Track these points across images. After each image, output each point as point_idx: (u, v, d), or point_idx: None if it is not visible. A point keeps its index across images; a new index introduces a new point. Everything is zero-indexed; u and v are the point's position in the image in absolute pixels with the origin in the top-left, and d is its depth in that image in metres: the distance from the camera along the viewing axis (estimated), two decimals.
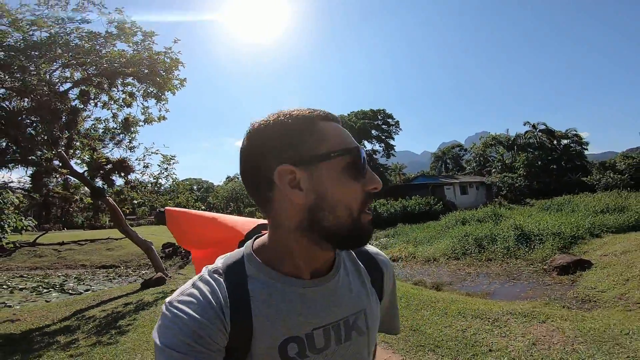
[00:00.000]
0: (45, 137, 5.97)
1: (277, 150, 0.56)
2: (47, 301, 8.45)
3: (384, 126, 40.33)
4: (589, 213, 12.42)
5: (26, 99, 6.31)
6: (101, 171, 7.55)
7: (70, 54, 6.85)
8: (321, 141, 0.57)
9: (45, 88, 6.42)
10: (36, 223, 9.89)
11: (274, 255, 0.61)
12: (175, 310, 0.53)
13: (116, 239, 21.73)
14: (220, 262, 0.63)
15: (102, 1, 7.05)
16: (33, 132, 5.75)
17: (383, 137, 40.29)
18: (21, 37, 6.36)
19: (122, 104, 8.80)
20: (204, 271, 0.61)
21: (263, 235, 0.66)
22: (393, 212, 22.02)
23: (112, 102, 8.72)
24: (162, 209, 1.46)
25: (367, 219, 0.58)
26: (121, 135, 9.12)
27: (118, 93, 8.62)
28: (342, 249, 0.63)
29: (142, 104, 8.75)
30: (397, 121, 41.00)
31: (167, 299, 0.56)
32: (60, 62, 6.98)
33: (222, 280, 0.59)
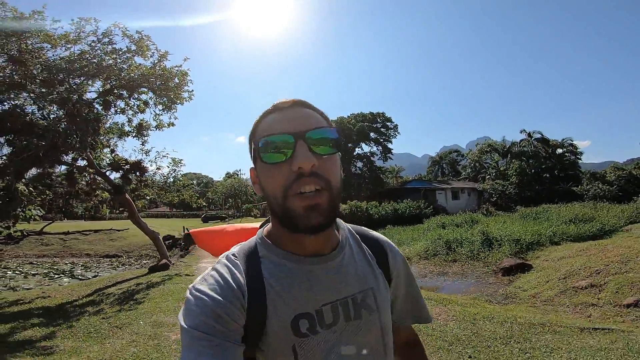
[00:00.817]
0: (78, 142, 7.21)
1: (250, 156, 0.68)
2: (60, 285, 9.73)
3: (382, 129, 41.48)
4: (559, 222, 13.66)
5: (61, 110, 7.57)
6: (120, 170, 8.84)
7: (97, 69, 8.14)
8: (255, 141, 0.64)
9: (75, 97, 7.70)
10: (43, 213, 11.20)
11: (278, 238, 0.67)
12: (197, 293, 0.58)
13: (118, 230, 23.14)
14: (236, 248, 0.70)
15: (126, 26, 8.34)
16: (69, 139, 6.96)
17: (381, 140, 41.42)
18: (59, 55, 7.67)
19: (137, 110, 10.10)
20: (222, 257, 0.67)
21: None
22: (384, 214, 23.30)
23: (128, 108, 10.01)
24: (188, 232, 1.62)
25: (298, 204, 0.57)
26: (135, 137, 10.36)
27: (133, 100, 9.91)
28: (290, 231, 0.62)
29: (154, 111, 10.04)
30: (396, 125, 42.15)
31: (190, 285, 0.62)
32: (89, 75, 8.25)
33: (238, 262, 0.65)
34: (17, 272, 13.03)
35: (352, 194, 32.32)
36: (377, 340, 0.68)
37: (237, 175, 62.92)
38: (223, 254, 0.68)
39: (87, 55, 7.92)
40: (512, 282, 7.27)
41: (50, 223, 22.85)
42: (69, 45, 7.94)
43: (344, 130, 38.13)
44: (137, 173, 9.09)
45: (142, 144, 10.26)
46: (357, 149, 40.91)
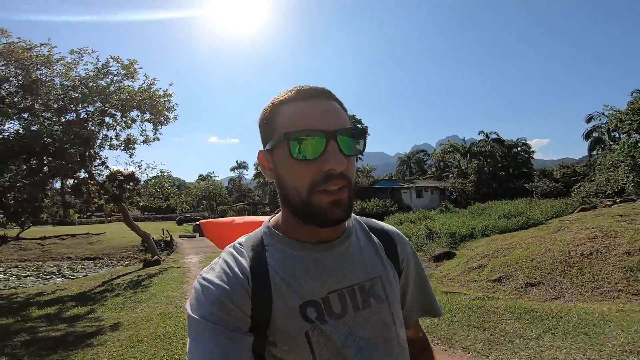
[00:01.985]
0: (79, 159, 8.76)
1: (261, 137, 0.68)
2: (60, 282, 11.09)
3: None
4: (495, 217, 16.30)
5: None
6: (116, 181, 10.38)
7: (96, 93, 9.69)
8: (274, 129, 0.63)
9: (73, 116, 9.22)
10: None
11: (285, 225, 0.68)
12: (204, 282, 0.60)
13: (95, 234, 24.12)
14: (242, 238, 0.71)
15: (120, 56, 9.92)
16: (74, 156, 8.51)
17: None
18: (67, 82, 9.19)
19: (125, 126, 11.62)
20: (229, 246, 0.69)
21: (279, 213, 0.73)
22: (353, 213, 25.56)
23: (115, 124, 11.50)
24: (197, 223, 1.74)
25: (324, 200, 0.58)
26: (123, 150, 11.89)
27: (122, 118, 11.44)
28: (308, 224, 0.62)
29: (142, 127, 11.62)
30: (366, 127, 44.51)
31: (198, 275, 0.63)
32: (89, 101, 9.78)
33: (243, 250, 0.66)
34: (8, 274, 14.10)
35: None
36: (390, 332, 0.68)
37: (211, 177, 63.59)
38: (230, 244, 0.70)
39: (89, 82, 9.47)
40: (438, 266, 9.49)
41: (27, 228, 23.41)
42: (72, 73, 9.49)
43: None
44: (131, 183, 10.64)
45: (130, 157, 11.83)
46: None
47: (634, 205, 10.93)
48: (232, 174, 66.51)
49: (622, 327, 3.55)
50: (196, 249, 15.77)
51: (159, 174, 11.39)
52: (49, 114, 8.78)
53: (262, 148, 0.68)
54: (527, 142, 44.91)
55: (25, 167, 8.15)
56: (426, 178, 46.38)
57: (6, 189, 7.63)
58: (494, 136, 43.13)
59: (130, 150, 11.74)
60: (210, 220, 1.66)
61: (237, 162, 64.03)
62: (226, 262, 0.64)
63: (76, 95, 8.70)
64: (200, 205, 58.25)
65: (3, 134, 8.03)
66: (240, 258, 0.64)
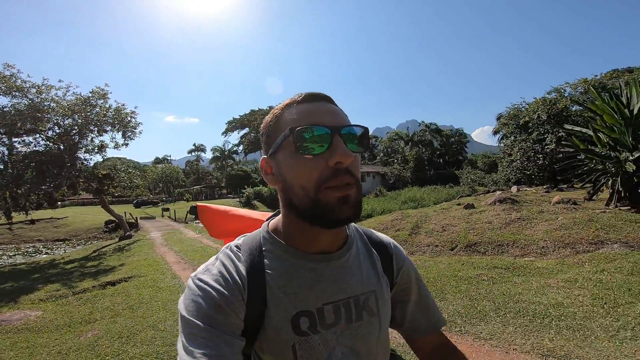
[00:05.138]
0: (70, 164, 12.67)
1: (264, 144, 0.69)
2: (48, 255, 14.82)
3: None
4: (399, 201, 21.70)
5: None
6: (97, 178, 14.26)
7: (77, 113, 13.45)
8: (278, 131, 0.64)
9: (62, 131, 13.04)
10: None
11: (285, 232, 0.69)
12: (200, 283, 0.61)
13: (58, 219, 27.26)
14: (241, 239, 0.72)
15: (100, 86, 13.72)
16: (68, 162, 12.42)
17: None
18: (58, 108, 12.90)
19: (97, 133, 15.38)
20: (226, 247, 0.70)
21: (279, 216, 0.73)
22: None
23: (89, 133, 15.21)
24: (194, 205, 1.88)
25: (332, 196, 0.59)
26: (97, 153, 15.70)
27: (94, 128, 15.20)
28: (316, 225, 0.62)
29: (113, 136, 15.46)
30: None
31: (193, 273, 0.65)
32: (73, 118, 13.52)
33: (241, 255, 0.67)
34: None
35: None
36: (376, 345, 0.71)
37: (168, 160, 65.62)
38: (227, 245, 0.72)
39: (76, 107, 13.26)
40: None
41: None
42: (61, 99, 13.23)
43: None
44: (108, 180, 14.58)
45: (103, 159, 15.64)
46: None
47: (487, 196, 16.10)
48: (190, 157, 68.69)
49: None
50: (157, 228, 19.73)
51: (130, 171, 15.40)
52: (50, 133, 12.55)
53: (264, 156, 0.70)
54: (464, 130, 51.81)
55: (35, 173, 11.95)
56: (375, 163, 52.05)
57: (33, 189, 11.48)
58: (433, 126, 49.43)
59: (103, 153, 15.56)
60: (206, 204, 1.69)
61: (194, 144, 66.29)
62: (224, 264, 0.65)
63: (67, 119, 12.53)
64: (157, 188, 60.50)
65: (19, 151, 11.87)
66: (237, 262, 0.66)
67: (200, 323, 0.57)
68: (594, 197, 9.12)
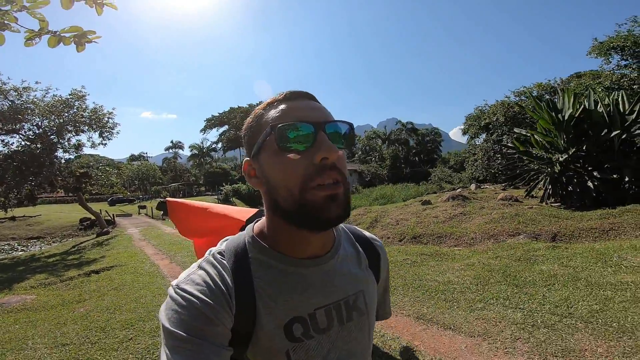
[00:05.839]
0: (49, 163, 13.21)
1: (246, 145, 0.68)
2: (30, 251, 15.25)
3: None
4: (371, 198, 22.88)
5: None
6: (75, 177, 14.75)
7: (54, 114, 13.95)
8: (260, 131, 0.63)
9: (41, 131, 13.54)
10: None
11: (271, 238, 0.66)
12: (183, 293, 0.58)
13: (31, 217, 27.18)
14: (223, 245, 0.69)
15: (78, 88, 14.26)
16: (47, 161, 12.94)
17: None
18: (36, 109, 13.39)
19: (75, 133, 15.87)
20: (209, 254, 0.67)
21: (263, 218, 0.70)
22: None
23: (66, 133, 15.68)
24: (163, 200, 1.73)
25: (319, 195, 0.57)
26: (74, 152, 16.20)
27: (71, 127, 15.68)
28: (304, 228, 0.60)
29: (90, 136, 15.99)
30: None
31: (174, 282, 0.62)
32: (51, 118, 14.03)
33: (225, 262, 0.64)
34: None
35: None
36: (366, 342, 0.72)
37: (144, 157, 65.03)
38: (209, 251, 0.68)
39: (54, 108, 13.77)
40: None
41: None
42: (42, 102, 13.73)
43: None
44: (85, 179, 15.12)
45: (78, 157, 16.12)
46: None
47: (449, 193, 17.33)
48: (167, 154, 68.24)
49: None
50: (134, 225, 20.22)
51: (107, 169, 15.95)
52: (30, 134, 13.04)
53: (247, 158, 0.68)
54: (440, 129, 53.71)
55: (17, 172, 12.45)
56: (353, 161, 53.26)
57: (13, 187, 11.98)
58: (409, 125, 51.14)
59: (80, 152, 16.05)
60: (178, 200, 1.56)
61: (172, 141, 65.95)
62: (207, 273, 0.62)
63: (45, 120, 13.05)
64: (132, 186, 59.93)
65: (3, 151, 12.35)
66: (222, 270, 0.63)
67: (184, 334, 0.54)
68: (533, 194, 10.41)
